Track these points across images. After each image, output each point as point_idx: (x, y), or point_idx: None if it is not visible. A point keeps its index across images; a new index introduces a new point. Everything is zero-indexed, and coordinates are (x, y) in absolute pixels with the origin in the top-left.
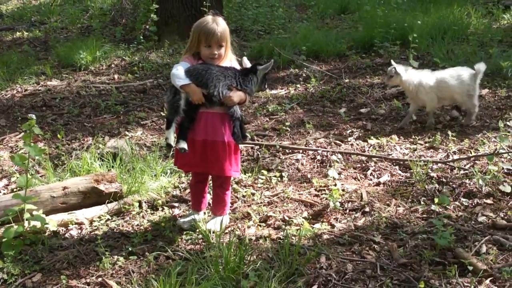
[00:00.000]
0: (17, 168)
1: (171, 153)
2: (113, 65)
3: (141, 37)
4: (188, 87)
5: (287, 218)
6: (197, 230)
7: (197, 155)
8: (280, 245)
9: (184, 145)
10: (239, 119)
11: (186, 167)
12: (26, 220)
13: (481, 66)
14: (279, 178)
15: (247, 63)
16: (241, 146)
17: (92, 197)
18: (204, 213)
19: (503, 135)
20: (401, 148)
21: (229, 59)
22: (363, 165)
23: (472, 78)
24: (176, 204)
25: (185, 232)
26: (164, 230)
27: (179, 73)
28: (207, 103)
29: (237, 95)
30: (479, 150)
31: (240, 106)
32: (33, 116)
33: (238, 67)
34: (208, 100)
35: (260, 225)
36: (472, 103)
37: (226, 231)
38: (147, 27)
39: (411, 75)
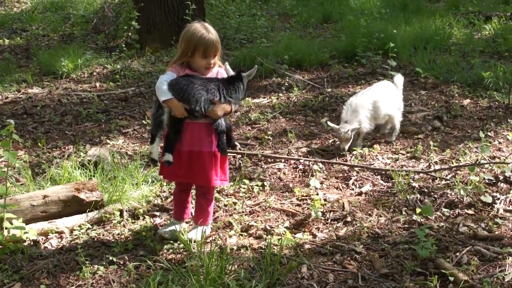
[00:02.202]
0: None
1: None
2: (95, 73)
3: (123, 45)
4: (170, 102)
5: (268, 228)
6: (178, 240)
7: (183, 165)
8: (261, 254)
9: (169, 157)
10: (224, 131)
11: (171, 177)
12: (6, 228)
13: (398, 79)
14: (261, 188)
15: (230, 70)
16: None
17: (72, 206)
18: (187, 222)
19: (484, 146)
20: (383, 158)
21: (217, 65)
22: (345, 174)
23: (397, 90)
24: (158, 213)
25: (166, 242)
26: (145, 239)
27: (162, 87)
28: (190, 116)
29: (220, 108)
30: (460, 161)
31: (226, 116)
32: (11, 122)
33: (224, 74)
34: (191, 114)
35: (241, 235)
36: (399, 119)
37: (208, 240)
38: (129, 35)
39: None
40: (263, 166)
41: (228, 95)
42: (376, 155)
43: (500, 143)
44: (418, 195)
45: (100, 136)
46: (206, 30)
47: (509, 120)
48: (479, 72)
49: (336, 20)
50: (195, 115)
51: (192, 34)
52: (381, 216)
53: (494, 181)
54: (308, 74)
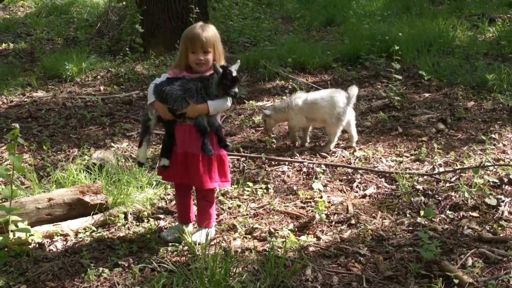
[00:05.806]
0: (2, 179)
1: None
2: (99, 77)
3: (127, 49)
4: (155, 104)
5: (273, 230)
6: (183, 242)
7: (179, 166)
8: (265, 257)
9: (165, 162)
10: (205, 131)
11: (170, 178)
12: (11, 231)
13: (353, 90)
14: (265, 190)
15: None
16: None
17: (77, 208)
18: (193, 224)
19: (488, 148)
20: (387, 161)
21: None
22: (349, 177)
23: (345, 102)
24: (162, 216)
25: (170, 244)
26: (150, 242)
27: (149, 89)
28: (176, 118)
29: (191, 109)
30: (464, 163)
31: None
32: (17, 125)
33: None
34: (175, 116)
35: (246, 237)
36: (336, 130)
37: (212, 243)
38: (133, 38)
39: (282, 106)
40: (267, 169)
41: (207, 95)
42: (380, 158)
43: (504, 145)
44: (422, 198)
45: (105, 139)
46: (201, 27)
47: None
48: (483, 75)
49: (339, 23)
50: (178, 116)
51: (185, 31)
52: (385, 219)
53: (498, 183)
54: (312, 77)
